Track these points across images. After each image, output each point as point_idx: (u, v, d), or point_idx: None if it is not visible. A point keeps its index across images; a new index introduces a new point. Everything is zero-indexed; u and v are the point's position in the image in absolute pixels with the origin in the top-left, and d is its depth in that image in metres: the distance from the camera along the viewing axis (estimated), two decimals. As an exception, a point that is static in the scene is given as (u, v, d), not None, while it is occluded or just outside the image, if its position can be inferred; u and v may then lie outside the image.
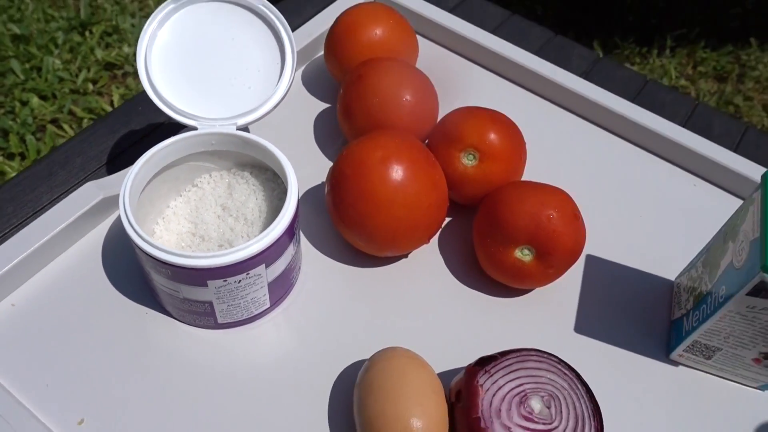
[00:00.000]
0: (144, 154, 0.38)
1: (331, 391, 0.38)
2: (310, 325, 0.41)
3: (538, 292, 0.44)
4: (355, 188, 0.40)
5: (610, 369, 0.40)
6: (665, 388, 0.40)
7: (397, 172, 0.39)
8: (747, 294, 0.34)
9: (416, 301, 0.42)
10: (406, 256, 0.45)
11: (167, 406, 0.37)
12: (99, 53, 1.22)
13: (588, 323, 0.42)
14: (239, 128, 0.41)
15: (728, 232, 0.38)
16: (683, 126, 0.57)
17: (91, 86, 1.18)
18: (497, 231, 0.40)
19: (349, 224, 0.41)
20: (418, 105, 0.45)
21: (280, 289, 0.40)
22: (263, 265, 0.36)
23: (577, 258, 0.41)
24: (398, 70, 0.46)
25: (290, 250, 0.38)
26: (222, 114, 0.41)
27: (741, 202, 0.50)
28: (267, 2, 0.42)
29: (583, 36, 1.43)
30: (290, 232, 0.37)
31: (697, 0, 1.53)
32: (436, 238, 0.46)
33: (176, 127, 0.51)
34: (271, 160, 0.40)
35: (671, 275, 0.45)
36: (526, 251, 0.40)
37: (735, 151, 0.55)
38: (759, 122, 1.31)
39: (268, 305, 0.40)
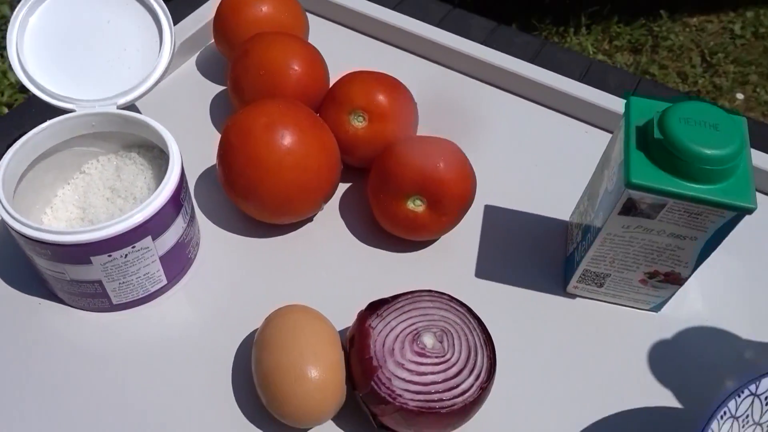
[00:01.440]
0: (20, 138, 0.37)
1: (234, 359, 0.38)
2: (212, 299, 0.40)
3: (439, 244, 0.44)
4: (242, 156, 0.40)
5: (510, 307, 0.41)
6: (563, 319, 0.41)
7: (282, 136, 0.40)
8: (619, 213, 0.36)
9: (319, 265, 0.43)
10: (310, 220, 0.45)
11: (68, 395, 0.36)
12: (12, 76, 1.18)
13: (488, 268, 0.43)
14: (122, 108, 0.41)
15: (604, 161, 0.40)
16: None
17: (6, 110, 1.14)
18: (388, 184, 0.41)
19: (240, 193, 0.41)
20: (306, 75, 0.45)
21: (176, 264, 0.39)
22: (149, 237, 0.36)
23: (469, 204, 0.42)
24: (283, 42, 0.46)
25: (179, 222, 0.38)
26: (102, 95, 0.41)
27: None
28: (139, -18, 0.42)
29: (500, 21, 1.46)
30: (175, 203, 0.37)
31: (607, -21, 1.59)
32: (336, 203, 0.46)
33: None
34: (152, 135, 0.39)
35: (567, 217, 0.47)
36: (417, 201, 0.41)
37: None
38: (675, 88, 1.37)
39: (164, 281, 0.39)
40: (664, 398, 0.38)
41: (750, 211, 0.33)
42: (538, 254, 0.44)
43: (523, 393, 0.38)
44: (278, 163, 0.39)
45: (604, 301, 0.42)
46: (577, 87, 0.53)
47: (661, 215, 0.35)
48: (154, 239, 0.36)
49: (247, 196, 0.41)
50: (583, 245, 0.40)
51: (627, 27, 1.48)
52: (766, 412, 0.31)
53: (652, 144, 0.34)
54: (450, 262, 0.43)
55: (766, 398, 0.30)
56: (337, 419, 0.35)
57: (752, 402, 0.30)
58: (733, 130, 0.34)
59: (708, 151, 0.33)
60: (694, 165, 0.33)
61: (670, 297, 0.41)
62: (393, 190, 0.41)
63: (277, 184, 0.40)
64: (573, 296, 0.42)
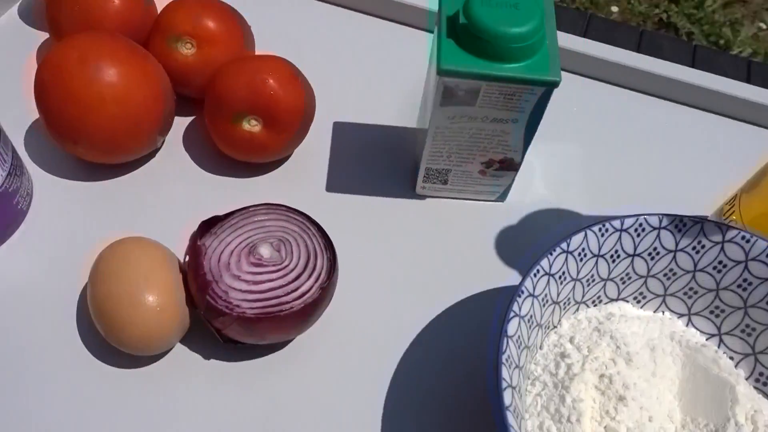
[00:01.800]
0: None
1: (77, 303, 0.37)
2: (50, 247, 0.39)
3: (289, 165, 0.44)
4: (58, 95, 0.38)
5: (360, 214, 0.42)
6: (412, 219, 0.42)
7: (99, 69, 0.38)
8: (441, 105, 0.36)
9: (164, 200, 0.42)
10: (151, 156, 0.43)
11: None
12: None
13: (339, 182, 0.44)
14: None
15: (430, 60, 0.40)
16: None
17: None
18: (221, 108, 0.40)
19: (64, 134, 0.39)
20: (125, 7, 0.43)
21: (4, 216, 0.38)
22: (-42, 187, 0.34)
23: (307, 118, 0.41)
24: (98, -26, 0.43)
25: (-5, 170, 0.36)
26: None
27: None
28: None
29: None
30: (-15, 150, 0.35)
31: None
32: (179, 136, 0.45)
33: None
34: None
35: (415, 124, 0.47)
36: (253, 121, 0.40)
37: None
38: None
39: (-7, 235, 0.37)
40: (512, 278, 0.40)
41: (555, 84, 0.35)
42: (390, 164, 0.45)
43: (373, 292, 0.39)
44: (98, 99, 0.38)
45: (452, 198, 0.43)
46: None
47: (479, 101, 0.36)
48: (-35, 190, 0.34)
49: (73, 138, 0.39)
50: (425, 146, 0.41)
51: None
52: (582, 267, 0.33)
53: (460, 30, 0.35)
54: (300, 180, 0.43)
55: (578, 254, 0.32)
56: (186, 342, 0.35)
57: (566, 259, 0.32)
58: (533, 8, 0.34)
59: (507, 30, 0.33)
60: (497, 45, 0.34)
61: (510, 184, 0.42)
62: (226, 113, 0.40)
63: (100, 120, 0.38)
64: (423, 197, 0.43)
